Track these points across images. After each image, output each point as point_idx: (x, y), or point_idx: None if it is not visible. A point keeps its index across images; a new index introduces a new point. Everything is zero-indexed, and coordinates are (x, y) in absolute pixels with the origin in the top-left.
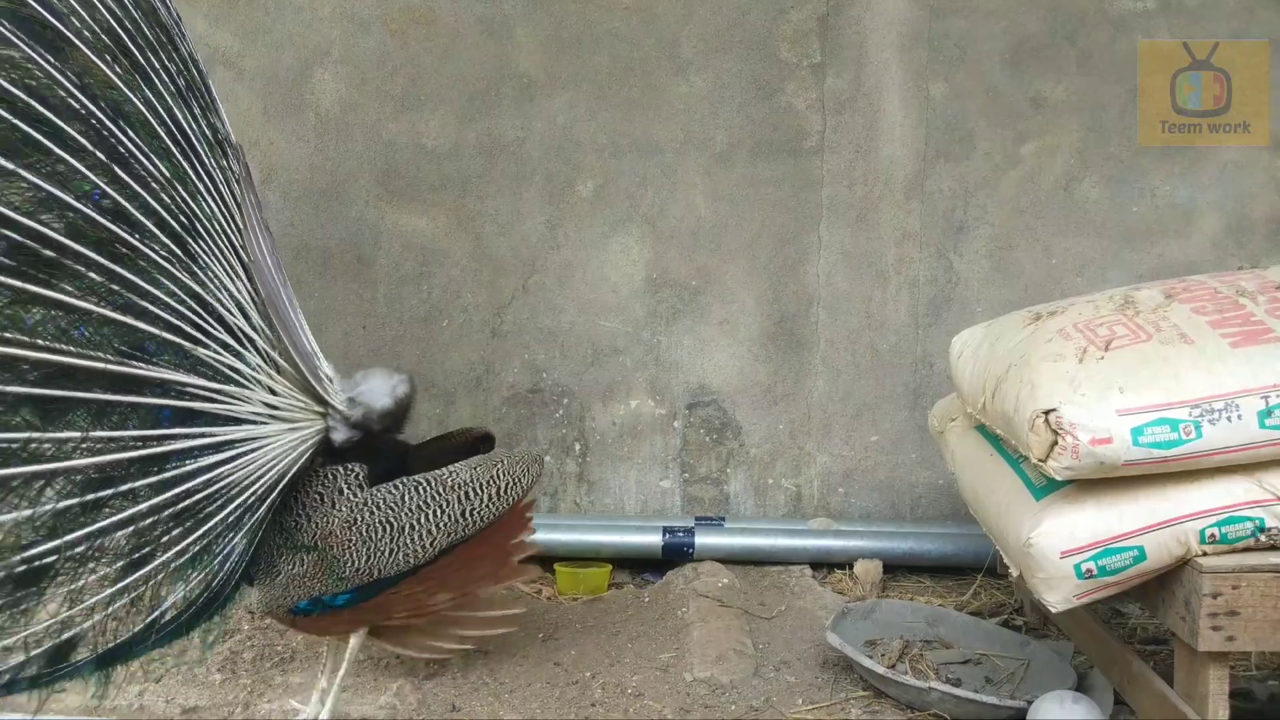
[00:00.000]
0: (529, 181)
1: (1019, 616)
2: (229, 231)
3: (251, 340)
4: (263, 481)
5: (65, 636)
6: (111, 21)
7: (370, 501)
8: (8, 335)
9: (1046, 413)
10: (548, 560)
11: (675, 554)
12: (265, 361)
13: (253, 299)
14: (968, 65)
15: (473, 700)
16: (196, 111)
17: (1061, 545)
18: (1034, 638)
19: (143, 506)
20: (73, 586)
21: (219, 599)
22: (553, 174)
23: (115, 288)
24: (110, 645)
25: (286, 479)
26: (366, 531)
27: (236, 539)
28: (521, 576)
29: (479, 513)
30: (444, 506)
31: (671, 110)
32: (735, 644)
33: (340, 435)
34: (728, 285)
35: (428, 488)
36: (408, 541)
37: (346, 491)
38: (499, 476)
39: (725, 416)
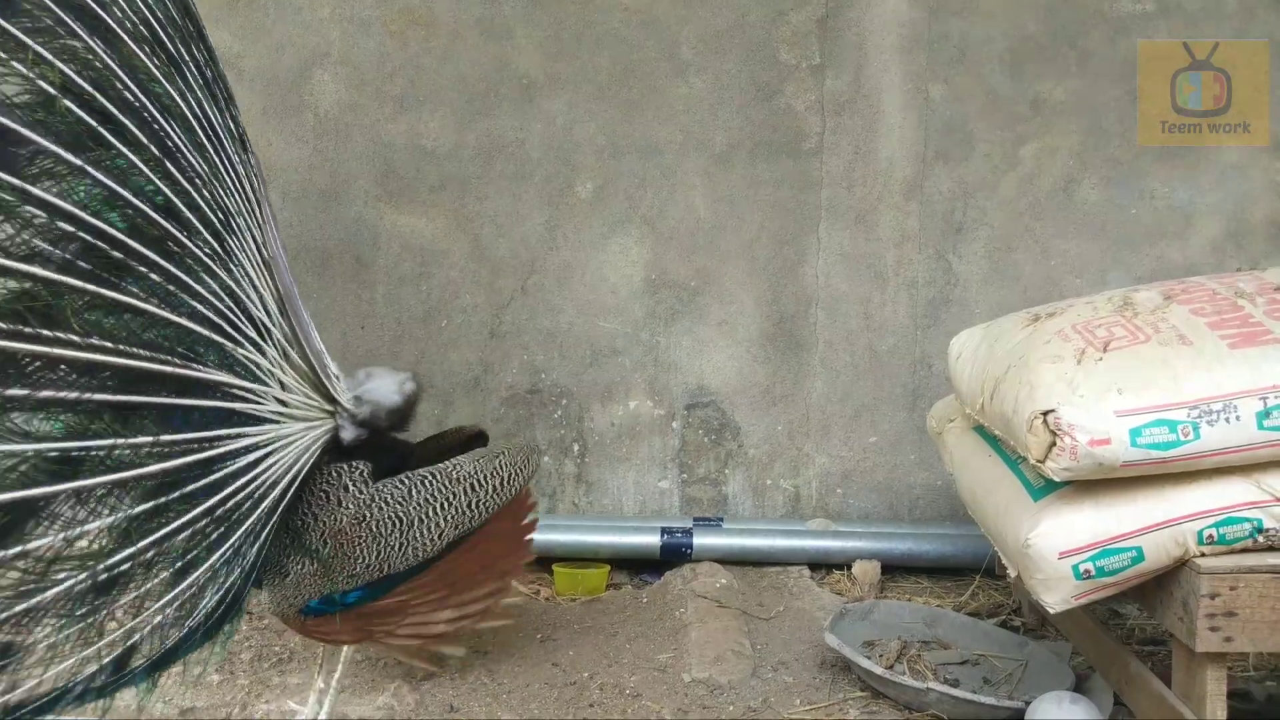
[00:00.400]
0: (528, 182)
1: (1017, 617)
2: (252, 228)
3: (270, 335)
4: (285, 480)
5: (130, 643)
6: (145, 11)
7: (378, 497)
8: (95, 341)
9: (1045, 414)
10: (546, 561)
11: (673, 554)
12: (280, 356)
13: (274, 294)
14: (967, 67)
15: (470, 701)
16: (222, 104)
17: (1060, 546)
18: (1032, 638)
19: (199, 509)
20: (138, 593)
21: (240, 599)
22: (552, 175)
23: (171, 288)
24: (161, 651)
25: (300, 478)
26: (376, 527)
27: (262, 538)
28: (524, 574)
29: (484, 503)
30: (450, 499)
31: (671, 111)
32: (733, 644)
33: (348, 434)
34: (727, 286)
35: (434, 480)
36: (417, 535)
37: (353, 489)
38: (502, 467)
39: (724, 417)
